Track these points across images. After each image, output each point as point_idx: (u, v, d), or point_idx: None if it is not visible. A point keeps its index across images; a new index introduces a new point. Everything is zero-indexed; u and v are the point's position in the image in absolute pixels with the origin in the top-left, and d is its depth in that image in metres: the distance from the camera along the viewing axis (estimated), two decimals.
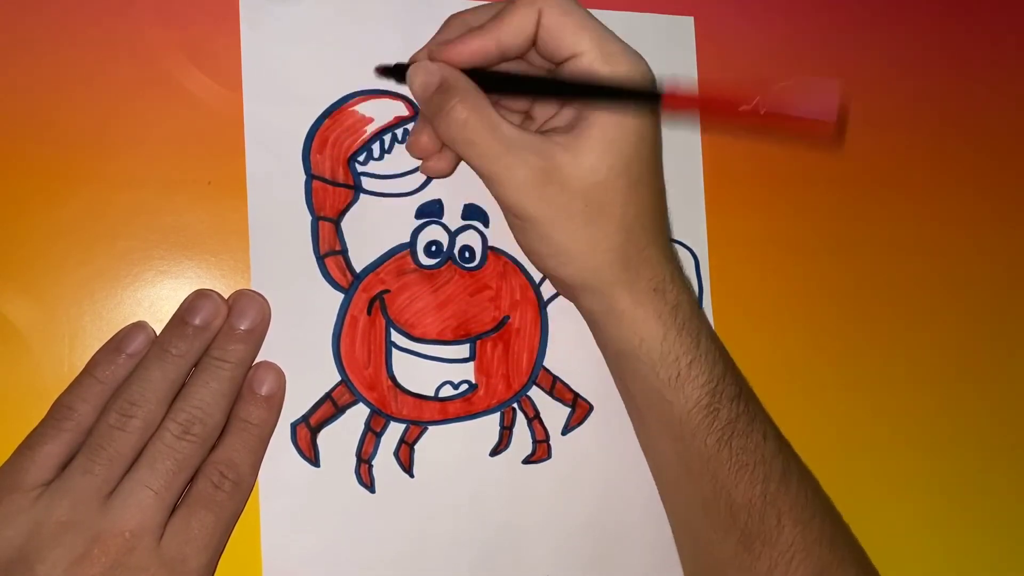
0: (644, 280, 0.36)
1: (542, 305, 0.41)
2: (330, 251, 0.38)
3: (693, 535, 0.39)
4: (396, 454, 0.38)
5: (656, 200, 0.36)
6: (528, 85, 0.37)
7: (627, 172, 0.34)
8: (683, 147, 0.44)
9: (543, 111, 0.38)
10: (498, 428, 0.40)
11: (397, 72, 0.37)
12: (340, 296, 0.38)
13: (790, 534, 0.36)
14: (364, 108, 0.39)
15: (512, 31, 0.34)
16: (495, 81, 0.36)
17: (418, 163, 0.39)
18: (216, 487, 0.33)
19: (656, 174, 0.36)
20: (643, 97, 0.34)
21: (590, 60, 0.34)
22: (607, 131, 0.34)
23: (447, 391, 0.39)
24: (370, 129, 0.39)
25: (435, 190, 0.40)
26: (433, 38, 0.37)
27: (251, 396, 0.35)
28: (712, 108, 0.31)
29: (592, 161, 0.34)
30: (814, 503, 0.38)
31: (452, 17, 0.37)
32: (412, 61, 0.36)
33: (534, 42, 0.35)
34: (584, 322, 0.41)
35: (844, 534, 0.39)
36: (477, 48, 0.35)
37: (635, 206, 0.35)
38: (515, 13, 0.34)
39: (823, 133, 0.26)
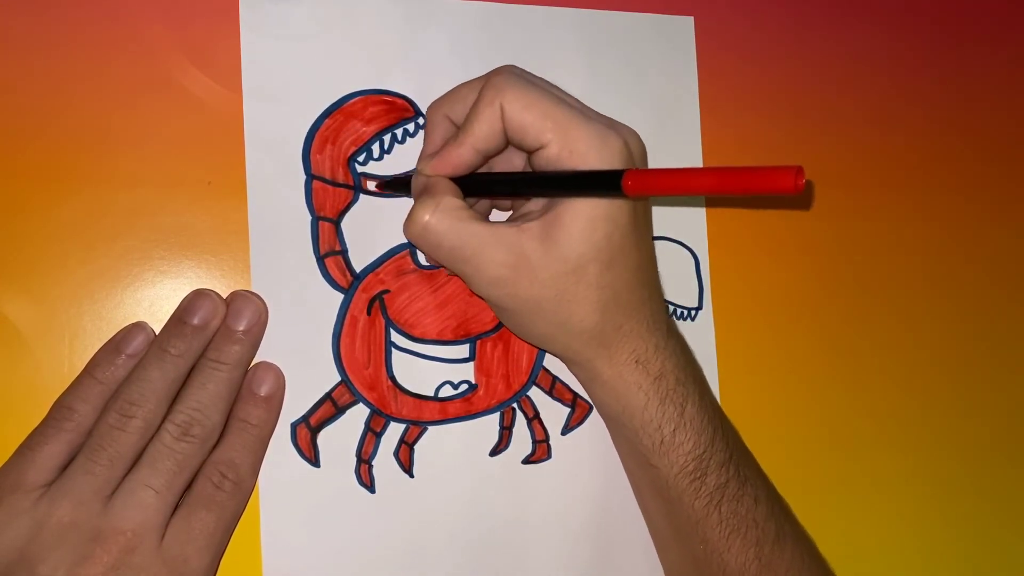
0: (625, 353, 0.36)
1: None
2: (330, 251, 0.38)
3: None
4: (396, 454, 0.38)
5: (634, 275, 0.35)
6: (499, 187, 0.37)
7: (598, 257, 0.34)
8: (683, 148, 0.44)
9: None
10: (498, 428, 0.40)
11: (399, 185, 0.38)
12: (340, 296, 0.38)
13: None
14: (364, 108, 0.39)
15: (483, 137, 0.34)
16: (471, 185, 0.36)
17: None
18: (216, 487, 0.33)
19: (636, 248, 0.35)
20: (604, 186, 0.32)
21: (556, 152, 0.33)
22: (577, 219, 0.33)
23: (447, 391, 0.39)
24: (370, 129, 0.39)
25: None
26: (424, 142, 0.38)
27: (250, 397, 0.35)
28: (674, 186, 0.30)
29: (562, 251, 0.33)
30: (811, 567, 0.38)
31: (431, 109, 0.37)
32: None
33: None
34: None
35: None
36: (458, 162, 0.35)
37: (609, 287, 0.34)
38: (481, 118, 0.34)
39: (786, 185, 0.26)
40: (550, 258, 0.33)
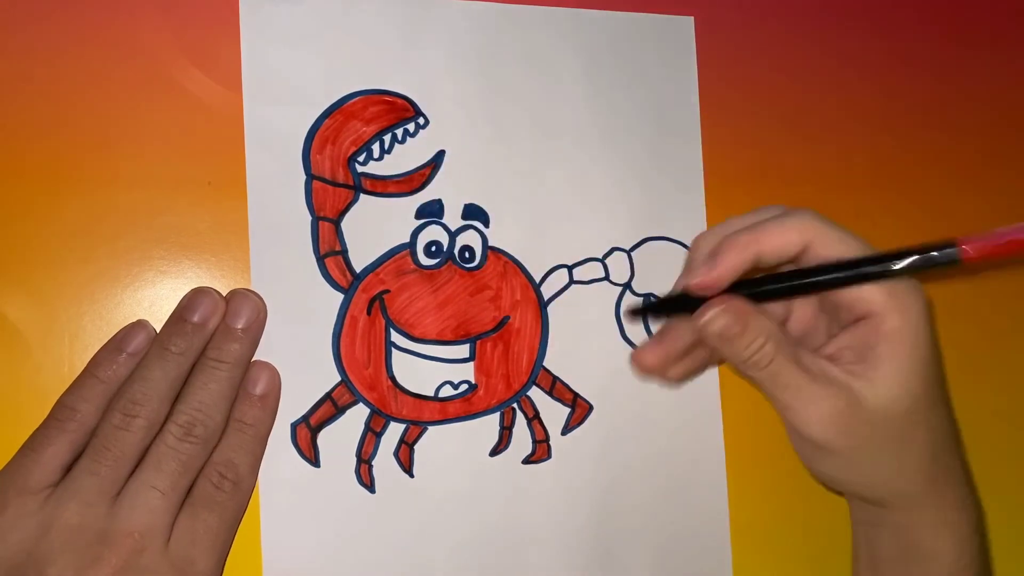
0: (949, 498, 0.36)
1: (542, 305, 0.41)
2: (330, 251, 0.38)
3: None
4: (396, 454, 0.39)
5: (952, 415, 0.36)
6: (798, 286, 0.34)
7: (927, 395, 0.33)
8: (683, 148, 0.44)
9: (800, 322, 0.37)
10: (498, 428, 0.40)
11: (666, 307, 0.36)
12: (340, 296, 0.38)
13: None
14: (364, 108, 0.39)
15: (775, 250, 0.33)
16: (752, 288, 0.34)
17: (417, 163, 0.39)
18: (216, 488, 0.33)
19: (946, 388, 0.36)
20: (938, 260, 0.33)
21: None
22: (902, 359, 0.33)
23: (447, 391, 0.39)
24: (370, 129, 0.39)
25: (435, 190, 0.40)
26: (690, 257, 0.36)
27: (246, 396, 0.35)
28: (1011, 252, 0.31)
29: (895, 391, 0.33)
30: None
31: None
32: (680, 293, 0.35)
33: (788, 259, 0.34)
34: (583, 322, 0.41)
35: None
36: (738, 265, 0.33)
37: (939, 429, 0.35)
38: (780, 233, 0.33)
39: None
40: (883, 400, 0.33)
